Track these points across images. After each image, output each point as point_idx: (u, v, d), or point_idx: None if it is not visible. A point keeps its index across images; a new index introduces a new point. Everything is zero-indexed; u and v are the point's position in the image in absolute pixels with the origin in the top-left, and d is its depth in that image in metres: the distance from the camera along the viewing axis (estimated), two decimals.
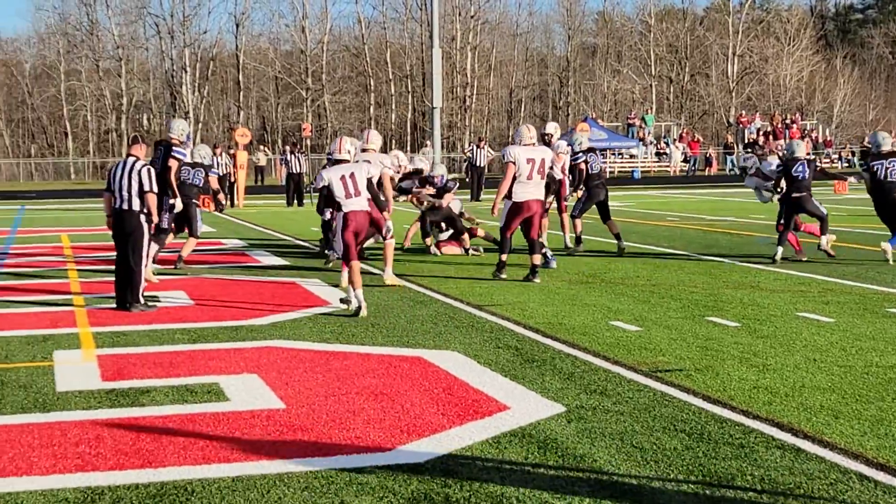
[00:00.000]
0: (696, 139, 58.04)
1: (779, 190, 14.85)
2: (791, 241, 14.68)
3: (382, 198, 12.01)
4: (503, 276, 13.02)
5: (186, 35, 67.51)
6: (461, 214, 16.16)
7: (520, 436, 6.13)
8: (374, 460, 5.71)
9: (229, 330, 9.76)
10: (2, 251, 17.85)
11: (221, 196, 13.45)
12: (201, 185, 14.68)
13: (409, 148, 64.63)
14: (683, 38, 75.48)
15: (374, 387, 7.40)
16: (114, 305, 11.10)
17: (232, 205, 30.60)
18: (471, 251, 15.83)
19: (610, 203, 16.40)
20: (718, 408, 6.67)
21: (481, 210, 22.44)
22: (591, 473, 5.44)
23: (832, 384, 7.27)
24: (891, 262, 13.98)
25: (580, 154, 16.23)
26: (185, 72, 67.01)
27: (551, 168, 17.43)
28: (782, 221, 14.54)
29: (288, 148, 36.73)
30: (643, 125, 58.38)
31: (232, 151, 33.67)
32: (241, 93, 69.03)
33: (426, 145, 47.57)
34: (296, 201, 31.96)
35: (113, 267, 11.46)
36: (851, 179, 16.99)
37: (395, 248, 13.38)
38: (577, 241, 16.20)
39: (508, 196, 12.98)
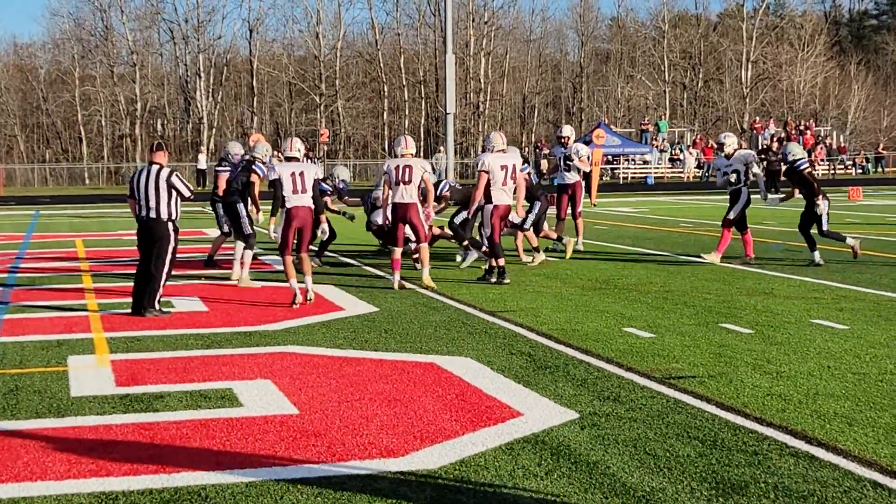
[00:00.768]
0: (709, 145, 57.88)
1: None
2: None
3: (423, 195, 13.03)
4: (506, 280, 13.18)
5: (201, 41, 67.71)
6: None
7: (533, 442, 6.13)
8: (387, 466, 5.72)
9: (243, 335, 9.79)
10: (17, 256, 17.93)
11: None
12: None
13: (422, 154, 64.64)
14: (697, 43, 75.38)
15: (387, 393, 7.41)
16: (127, 311, 11.12)
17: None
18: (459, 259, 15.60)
19: (625, 209, 16.37)
20: (732, 415, 6.66)
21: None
22: (605, 480, 5.44)
23: (846, 391, 7.25)
24: None
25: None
26: (200, 77, 67.19)
27: (568, 170, 17.55)
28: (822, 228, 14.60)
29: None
30: (657, 131, 58.29)
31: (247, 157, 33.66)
32: (255, 98, 69.18)
33: (439, 151, 47.64)
34: None
35: (128, 272, 11.51)
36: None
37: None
38: (536, 250, 15.52)
39: (488, 201, 13.32)
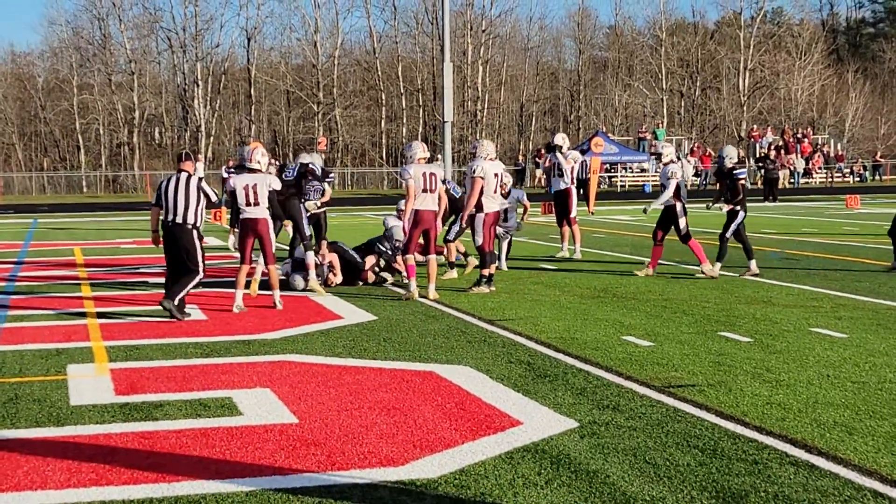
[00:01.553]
0: (707, 153, 57.96)
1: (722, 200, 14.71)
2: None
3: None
4: (493, 287, 13.22)
5: (198, 49, 67.71)
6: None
7: (533, 451, 6.13)
8: (387, 475, 5.71)
9: (242, 344, 9.79)
10: (15, 264, 17.91)
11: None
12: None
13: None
14: (694, 52, 75.46)
15: (386, 401, 7.41)
16: (126, 320, 11.16)
17: None
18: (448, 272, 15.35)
19: (622, 217, 16.39)
20: (732, 423, 6.66)
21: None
22: (605, 489, 5.44)
23: (846, 400, 7.25)
24: None
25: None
26: (197, 85, 67.19)
27: (561, 176, 17.67)
28: None
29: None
30: (654, 139, 58.34)
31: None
32: (253, 106, 69.21)
33: (437, 159, 47.65)
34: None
35: (127, 280, 11.53)
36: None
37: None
38: (452, 264, 15.25)
39: (479, 209, 13.29)
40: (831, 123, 72.79)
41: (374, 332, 10.31)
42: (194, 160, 11.68)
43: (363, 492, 5.45)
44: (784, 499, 5.26)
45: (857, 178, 59.22)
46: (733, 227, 14.45)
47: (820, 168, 56.68)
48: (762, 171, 43.98)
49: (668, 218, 14.58)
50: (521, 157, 61.25)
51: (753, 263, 14.58)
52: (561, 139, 18.15)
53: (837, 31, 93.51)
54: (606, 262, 16.55)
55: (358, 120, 70.28)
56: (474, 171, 13.22)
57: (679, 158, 14.55)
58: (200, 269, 11.26)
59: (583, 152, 39.09)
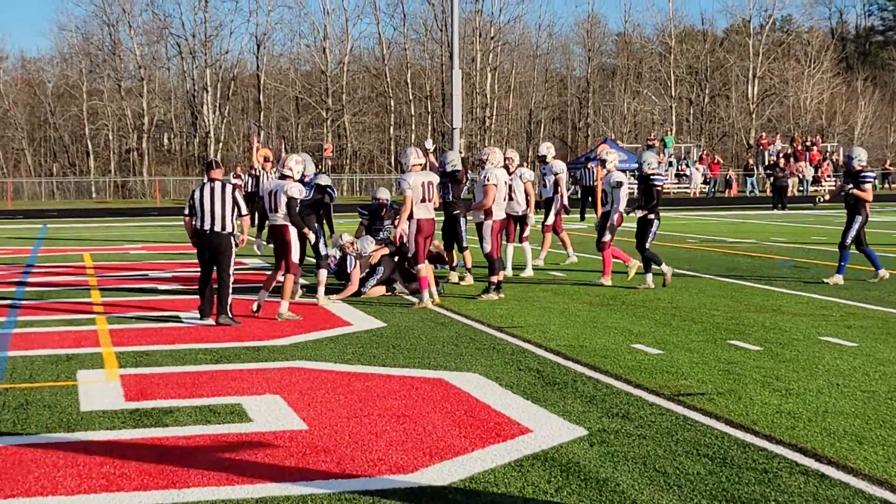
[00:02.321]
0: (716, 161, 57.91)
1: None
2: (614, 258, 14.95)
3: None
4: (502, 294, 13.24)
5: (208, 55, 67.90)
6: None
7: (542, 459, 6.13)
8: (396, 483, 5.72)
9: (251, 350, 9.80)
10: (24, 270, 17.96)
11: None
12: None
13: (428, 168, 64.61)
14: (703, 59, 75.50)
15: (396, 408, 7.42)
16: (136, 325, 11.18)
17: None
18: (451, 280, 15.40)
19: (631, 225, 16.38)
20: (741, 432, 6.66)
21: None
22: (615, 497, 5.44)
23: (856, 409, 7.24)
24: None
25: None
26: (206, 91, 67.37)
27: (544, 186, 17.86)
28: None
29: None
30: (663, 147, 58.30)
31: (254, 171, 33.65)
32: (262, 113, 69.36)
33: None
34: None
35: (137, 286, 11.55)
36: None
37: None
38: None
39: (488, 216, 13.36)
40: (840, 131, 72.74)
41: (383, 339, 10.32)
42: (221, 167, 11.71)
43: (373, 499, 5.45)
44: None
45: None
46: (650, 238, 14.36)
47: (829, 176, 56.56)
48: (771, 178, 43.92)
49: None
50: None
51: (650, 277, 14.43)
52: (545, 149, 18.34)
53: (846, 40, 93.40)
54: (615, 271, 16.52)
55: (367, 126, 70.40)
56: (487, 179, 13.29)
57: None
58: (230, 273, 11.37)
59: (589, 159, 39.12)
